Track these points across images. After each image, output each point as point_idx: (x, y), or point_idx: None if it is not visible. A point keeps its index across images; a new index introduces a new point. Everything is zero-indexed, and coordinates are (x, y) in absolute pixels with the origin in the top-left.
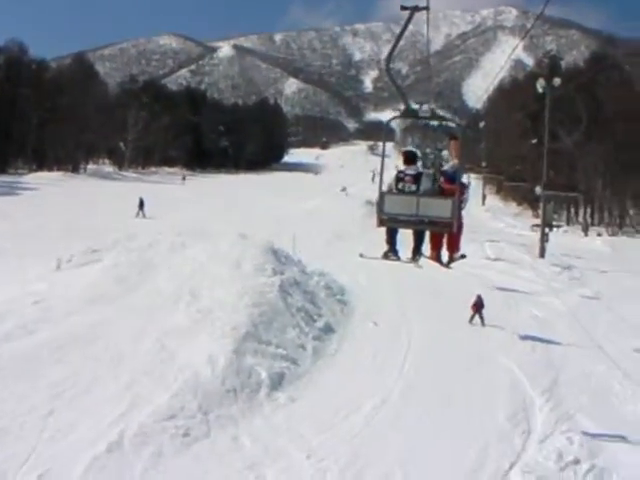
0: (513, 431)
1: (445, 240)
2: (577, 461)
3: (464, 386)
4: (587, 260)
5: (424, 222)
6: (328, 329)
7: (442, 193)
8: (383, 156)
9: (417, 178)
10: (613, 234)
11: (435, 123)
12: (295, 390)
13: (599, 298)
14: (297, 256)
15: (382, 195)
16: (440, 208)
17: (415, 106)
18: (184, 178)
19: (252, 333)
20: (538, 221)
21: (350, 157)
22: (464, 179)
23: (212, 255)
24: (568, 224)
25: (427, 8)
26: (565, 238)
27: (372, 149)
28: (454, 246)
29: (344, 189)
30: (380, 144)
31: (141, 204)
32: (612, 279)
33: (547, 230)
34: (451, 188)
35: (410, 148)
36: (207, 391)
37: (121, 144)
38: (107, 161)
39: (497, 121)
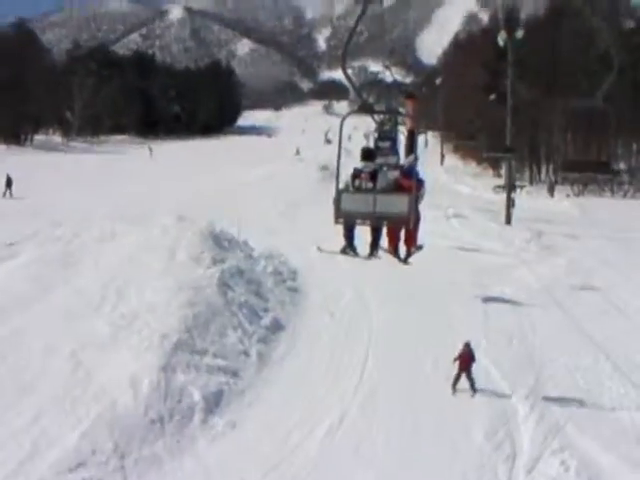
0: (495, 456)
1: (402, 234)
2: None
3: (433, 392)
4: (556, 224)
5: (381, 218)
6: (276, 326)
7: (399, 189)
8: (339, 155)
9: (374, 175)
10: (579, 193)
11: (390, 80)
12: (236, 411)
13: (574, 269)
14: (242, 237)
15: (339, 193)
16: (397, 204)
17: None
18: (151, 150)
19: (185, 341)
20: (500, 181)
21: (305, 118)
22: (421, 141)
23: (143, 244)
24: (531, 184)
25: None
26: (530, 200)
27: (327, 109)
28: (412, 241)
29: (297, 152)
30: (334, 103)
31: (8, 182)
32: (586, 245)
33: (512, 194)
34: (408, 184)
35: (367, 146)
36: (126, 425)
37: (68, 113)
38: (58, 132)
39: (454, 77)
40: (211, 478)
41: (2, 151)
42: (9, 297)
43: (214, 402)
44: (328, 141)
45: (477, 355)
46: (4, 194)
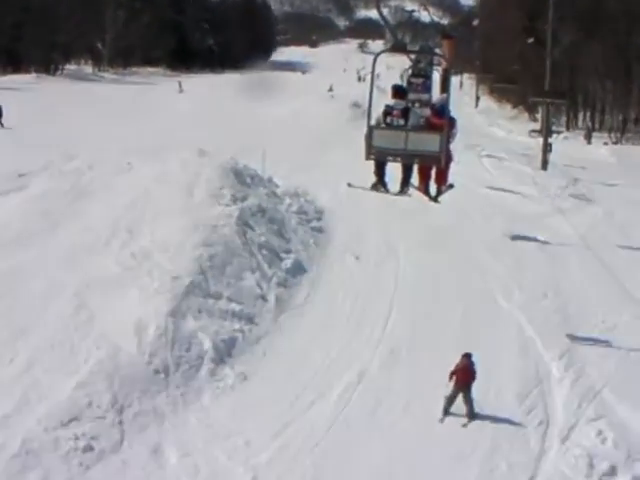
0: (527, 422)
1: (433, 172)
2: (613, 471)
3: (461, 345)
4: (593, 172)
5: (413, 156)
6: (297, 269)
7: (430, 127)
8: (371, 92)
9: (405, 112)
10: (617, 141)
11: (426, 20)
12: (248, 362)
13: (612, 219)
14: (268, 174)
15: (370, 129)
16: (429, 143)
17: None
18: (180, 84)
19: (198, 284)
20: (535, 126)
21: (340, 56)
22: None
23: (160, 179)
24: (568, 130)
25: None
26: (566, 146)
27: (362, 47)
28: (442, 179)
29: (330, 89)
30: (370, 42)
31: None
32: (623, 195)
33: (550, 139)
34: (440, 122)
35: (399, 83)
36: (127, 375)
37: (99, 44)
38: (89, 62)
39: (491, 19)
40: (214, 437)
41: (30, 80)
42: (13, 232)
43: (225, 351)
44: (360, 79)
45: (509, 307)
46: None
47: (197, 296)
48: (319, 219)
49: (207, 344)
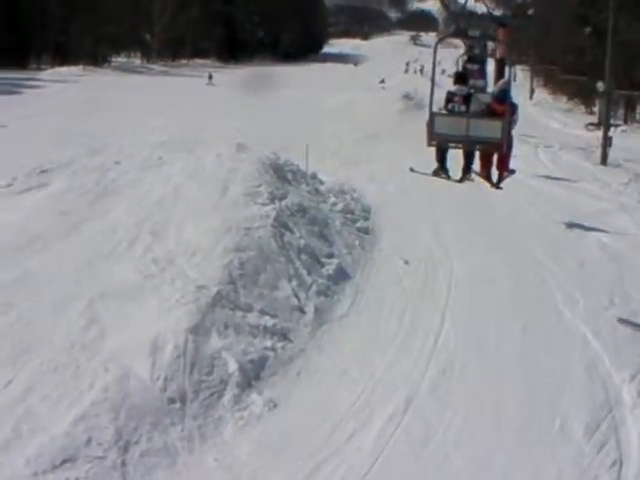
0: (598, 462)
1: (495, 159)
2: None
3: (520, 365)
4: None
5: (474, 142)
6: (340, 276)
7: (492, 114)
8: (433, 79)
9: (467, 99)
10: None
11: (479, 11)
12: (279, 386)
13: None
14: (311, 169)
15: (432, 115)
16: (490, 129)
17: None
18: (211, 77)
19: (226, 294)
20: (592, 119)
21: (392, 47)
22: (507, 74)
23: (193, 174)
24: (626, 123)
25: None
26: (625, 140)
27: (414, 40)
28: (504, 165)
29: (382, 81)
30: (422, 34)
31: None
32: None
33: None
34: (501, 109)
35: (461, 69)
36: (136, 405)
37: (147, 36)
38: (138, 54)
39: (546, 9)
40: None
41: (77, 72)
42: (29, 234)
43: (253, 373)
44: (406, 71)
45: (573, 317)
46: None
47: (224, 309)
48: (366, 218)
49: (232, 366)
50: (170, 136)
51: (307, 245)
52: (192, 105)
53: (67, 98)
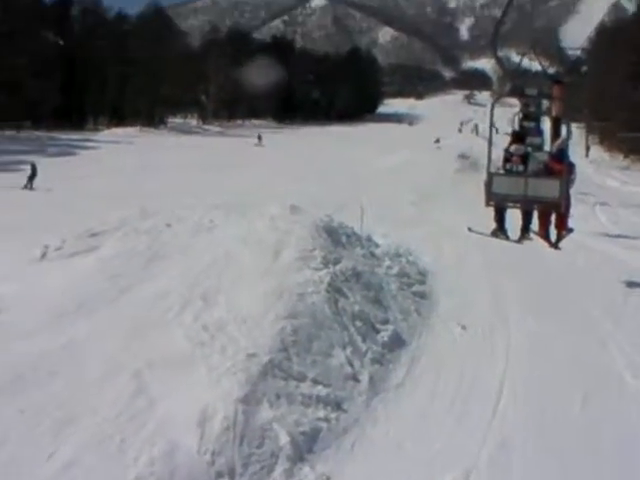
0: None
1: (553, 218)
2: None
3: (581, 441)
4: None
5: (533, 201)
6: (396, 342)
7: (549, 173)
8: (490, 140)
9: (524, 158)
10: None
11: (534, 69)
12: (333, 458)
13: None
14: (366, 232)
15: (490, 175)
16: (548, 188)
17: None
18: (260, 138)
19: (278, 363)
20: None
21: (446, 107)
22: (563, 131)
23: (245, 238)
24: None
25: None
26: None
27: (469, 98)
28: (562, 225)
29: (437, 140)
30: (476, 93)
31: (33, 172)
32: None
33: None
34: (559, 168)
35: (517, 129)
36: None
37: (203, 97)
38: (194, 115)
39: (601, 66)
40: None
41: (133, 133)
42: (77, 299)
43: (306, 446)
44: (460, 130)
45: (635, 384)
46: (26, 185)
47: (276, 378)
48: (422, 282)
49: (284, 438)
50: (221, 199)
51: (362, 311)
52: (242, 166)
53: (121, 159)
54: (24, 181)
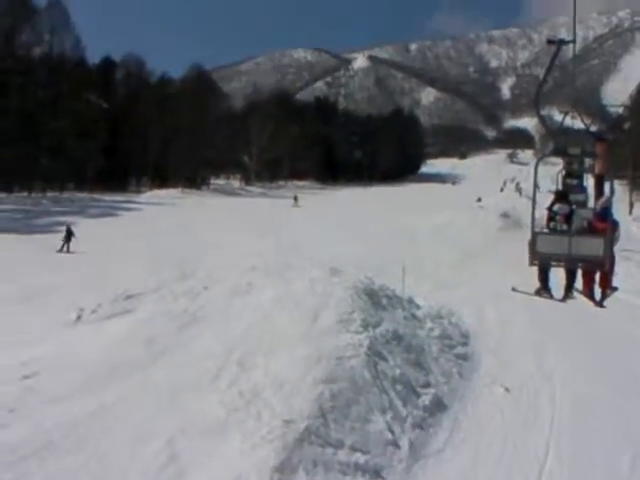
0: None
1: (597, 277)
2: None
3: None
4: None
5: (577, 260)
6: (437, 407)
7: (593, 231)
8: (534, 199)
9: (568, 217)
10: None
11: (575, 127)
12: None
13: None
14: (408, 293)
15: (534, 235)
16: (592, 247)
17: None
18: (296, 199)
19: (315, 429)
20: None
21: (489, 166)
22: (606, 189)
23: (283, 301)
24: None
25: (573, 42)
26: None
27: (511, 157)
28: (606, 283)
29: (479, 200)
30: (519, 152)
31: (68, 235)
32: None
33: None
34: (602, 226)
35: (558, 188)
36: None
37: (245, 158)
38: (237, 176)
39: None
40: None
41: (175, 194)
42: (110, 363)
43: None
44: (502, 189)
45: None
46: (62, 248)
47: (313, 445)
48: (464, 344)
49: None
50: (259, 260)
51: (402, 374)
52: (280, 228)
53: (161, 221)
54: (61, 243)
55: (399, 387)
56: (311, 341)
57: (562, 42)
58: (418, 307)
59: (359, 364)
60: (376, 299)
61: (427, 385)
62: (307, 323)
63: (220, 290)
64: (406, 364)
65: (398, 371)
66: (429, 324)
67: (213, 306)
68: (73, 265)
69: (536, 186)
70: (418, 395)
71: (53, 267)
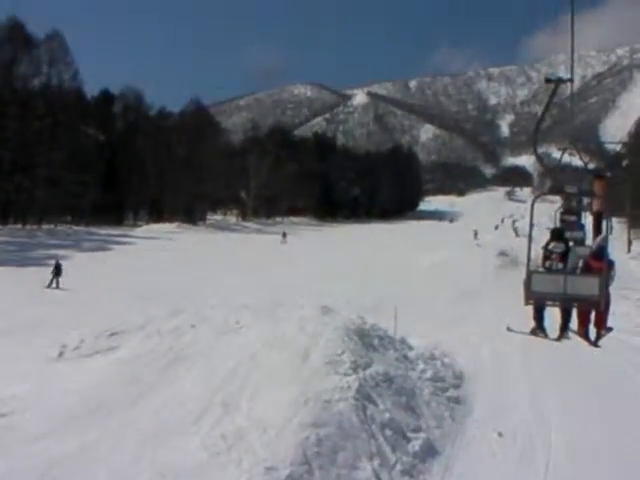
0: None
1: (592, 316)
2: None
3: None
4: None
5: (572, 299)
6: (428, 452)
7: (589, 270)
8: (530, 238)
9: (564, 256)
10: None
11: (579, 165)
12: None
13: None
14: (400, 332)
15: (530, 273)
16: (588, 286)
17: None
18: (284, 235)
19: (299, 476)
20: None
21: (487, 203)
22: (603, 227)
23: (271, 340)
24: None
25: (571, 80)
26: None
27: (510, 195)
28: (602, 323)
29: (475, 235)
30: (517, 190)
31: (57, 270)
32: None
33: None
34: (598, 265)
35: (556, 225)
36: None
37: (242, 193)
38: (235, 211)
39: None
40: None
41: (171, 229)
42: (91, 402)
43: None
44: (497, 227)
45: None
46: (50, 284)
47: None
48: (457, 386)
49: None
50: (248, 298)
51: (392, 419)
52: (271, 263)
53: (154, 255)
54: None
55: (388, 432)
56: (298, 383)
57: (560, 80)
58: (411, 348)
59: (347, 408)
60: (367, 339)
61: (418, 430)
62: (295, 364)
63: (208, 328)
64: (396, 408)
65: (387, 415)
66: (422, 365)
67: (200, 345)
68: (60, 300)
69: (532, 225)
70: (408, 440)
71: (40, 302)
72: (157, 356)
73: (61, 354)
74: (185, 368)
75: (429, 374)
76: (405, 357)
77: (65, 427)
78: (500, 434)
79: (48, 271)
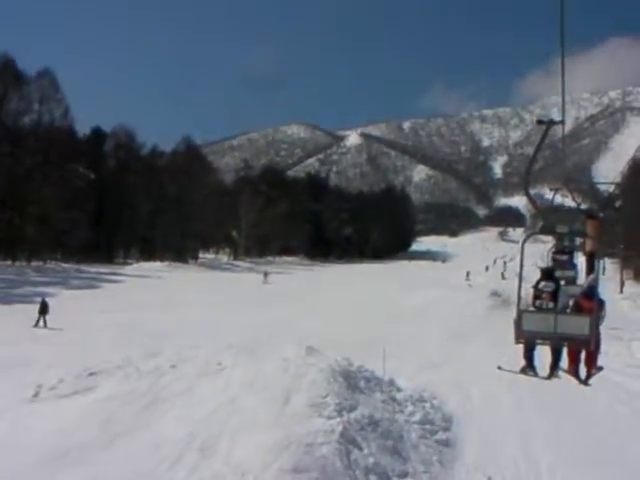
0: None
1: (583, 355)
2: None
3: None
4: None
5: (562, 338)
6: None
7: (579, 309)
8: (520, 277)
9: (554, 295)
10: None
11: (572, 205)
12: None
13: None
14: (389, 374)
15: (520, 313)
16: (578, 325)
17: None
18: (266, 275)
19: None
20: None
21: (479, 244)
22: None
23: (253, 382)
24: None
25: (562, 122)
26: None
27: (502, 235)
28: (592, 362)
29: (467, 277)
30: (510, 230)
31: (43, 308)
32: None
33: None
34: (588, 305)
35: (548, 265)
36: None
37: (234, 233)
38: (227, 250)
39: (635, 199)
40: None
41: (161, 268)
42: (64, 445)
43: None
44: (487, 269)
45: None
46: (37, 323)
47: None
48: (446, 429)
49: None
50: (231, 338)
51: (377, 464)
52: (257, 304)
53: (141, 295)
54: (37, 316)
55: (372, 477)
56: (280, 426)
57: (552, 122)
58: (399, 389)
59: (330, 452)
60: (353, 381)
61: (404, 475)
62: (277, 407)
63: (188, 369)
64: (382, 452)
65: (372, 460)
66: (410, 408)
67: (179, 386)
68: (44, 339)
69: (522, 265)
70: None
71: (23, 340)
72: (135, 397)
73: (36, 394)
74: (163, 410)
75: (417, 417)
76: (393, 399)
77: (34, 472)
78: (489, 478)
79: (34, 309)
